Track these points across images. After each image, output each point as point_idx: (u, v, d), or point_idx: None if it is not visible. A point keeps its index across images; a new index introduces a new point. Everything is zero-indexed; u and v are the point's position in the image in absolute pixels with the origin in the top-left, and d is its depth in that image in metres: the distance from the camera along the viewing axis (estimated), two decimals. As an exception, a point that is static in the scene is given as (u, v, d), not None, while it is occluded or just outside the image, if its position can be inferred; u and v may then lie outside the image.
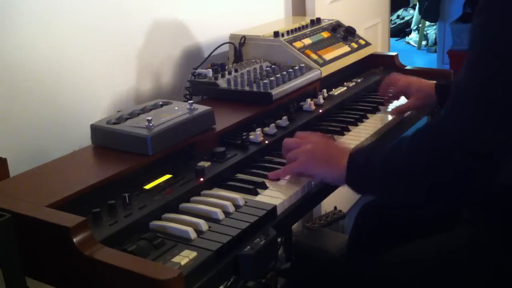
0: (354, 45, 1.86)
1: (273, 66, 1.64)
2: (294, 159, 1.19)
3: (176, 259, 0.89)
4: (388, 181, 1.07)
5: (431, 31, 6.07)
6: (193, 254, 0.90)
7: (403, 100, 1.63)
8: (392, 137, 1.52)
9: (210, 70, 1.59)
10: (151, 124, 1.18)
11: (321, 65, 1.67)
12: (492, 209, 1.15)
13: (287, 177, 1.19)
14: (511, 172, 1.06)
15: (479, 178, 0.98)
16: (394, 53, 1.96)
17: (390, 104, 1.64)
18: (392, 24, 6.29)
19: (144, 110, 1.29)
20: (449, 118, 1.01)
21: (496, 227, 1.12)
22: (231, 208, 1.05)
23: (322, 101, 1.59)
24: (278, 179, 1.19)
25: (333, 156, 1.15)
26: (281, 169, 1.20)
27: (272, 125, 1.38)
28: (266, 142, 1.32)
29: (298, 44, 1.71)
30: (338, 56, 1.76)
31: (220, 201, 1.07)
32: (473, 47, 0.99)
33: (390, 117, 1.55)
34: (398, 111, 1.57)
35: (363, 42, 1.90)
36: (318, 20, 1.94)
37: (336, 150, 1.18)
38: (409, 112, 1.59)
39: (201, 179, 1.13)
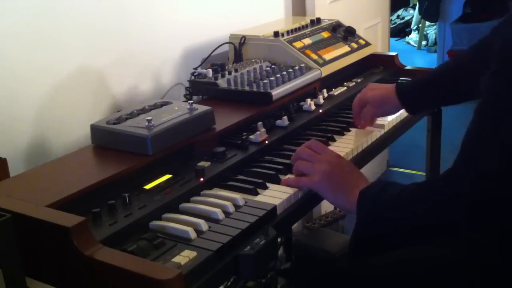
0: (354, 45, 1.86)
1: (273, 66, 1.64)
2: (306, 173, 1.16)
3: (176, 259, 0.89)
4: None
5: (431, 31, 6.07)
6: (193, 254, 0.90)
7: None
8: (391, 139, 1.52)
9: (210, 70, 1.59)
10: (151, 124, 1.18)
11: (321, 65, 1.67)
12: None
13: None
14: None
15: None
16: (394, 53, 1.96)
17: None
18: (392, 24, 6.29)
19: (144, 110, 1.29)
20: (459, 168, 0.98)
21: (494, 228, 1.12)
22: (231, 208, 1.05)
23: (322, 101, 1.58)
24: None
25: (347, 186, 1.11)
26: (293, 179, 1.17)
27: (272, 125, 1.37)
28: (266, 142, 1.32)
29: (298, 44, 1.71)
30: (338, 56, 1.76)
31: (220, 201, 1.07)
32: (486, 95, 0.95)
33: (389, 118, 1.55)
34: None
35: (363, 42, 1.90)
36: (318, 20, 1.94)
37: (351, 178, 1.13)
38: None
39: (201, 179, 1.13)
